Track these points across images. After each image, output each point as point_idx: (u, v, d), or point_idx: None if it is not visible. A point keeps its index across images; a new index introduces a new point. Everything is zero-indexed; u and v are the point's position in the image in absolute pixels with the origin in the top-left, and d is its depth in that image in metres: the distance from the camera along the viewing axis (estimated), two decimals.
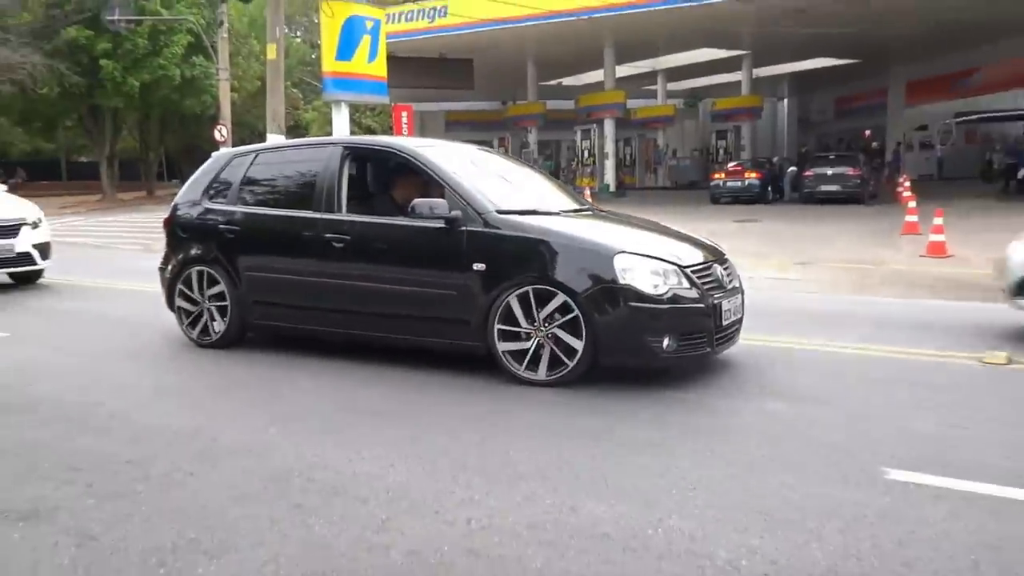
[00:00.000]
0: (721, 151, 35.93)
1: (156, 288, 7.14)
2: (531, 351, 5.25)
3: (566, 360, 5.17)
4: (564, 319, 5.14)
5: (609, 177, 31.03)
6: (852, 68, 33.87)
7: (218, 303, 6.45)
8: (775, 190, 26.02)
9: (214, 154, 7.30)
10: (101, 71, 30.09)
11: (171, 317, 6.75)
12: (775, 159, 30.94)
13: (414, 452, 4.04)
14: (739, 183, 24.55)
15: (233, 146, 20.77)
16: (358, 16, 17.80)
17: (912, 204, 15.19)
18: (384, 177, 6.59)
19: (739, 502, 3.39)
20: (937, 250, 11.93)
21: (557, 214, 5.91)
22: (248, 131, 42.90)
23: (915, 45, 28.93)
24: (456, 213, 5.48)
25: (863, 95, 37.75)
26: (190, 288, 6.54)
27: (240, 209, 6.49)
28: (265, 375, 5.74)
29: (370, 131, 46.44)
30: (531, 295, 5.22)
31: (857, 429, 4.33)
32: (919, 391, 5.09)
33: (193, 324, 6.59)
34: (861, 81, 36.54)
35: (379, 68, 18.14)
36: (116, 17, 24.29)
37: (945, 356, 5.97)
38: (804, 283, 10.98)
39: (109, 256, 15.74)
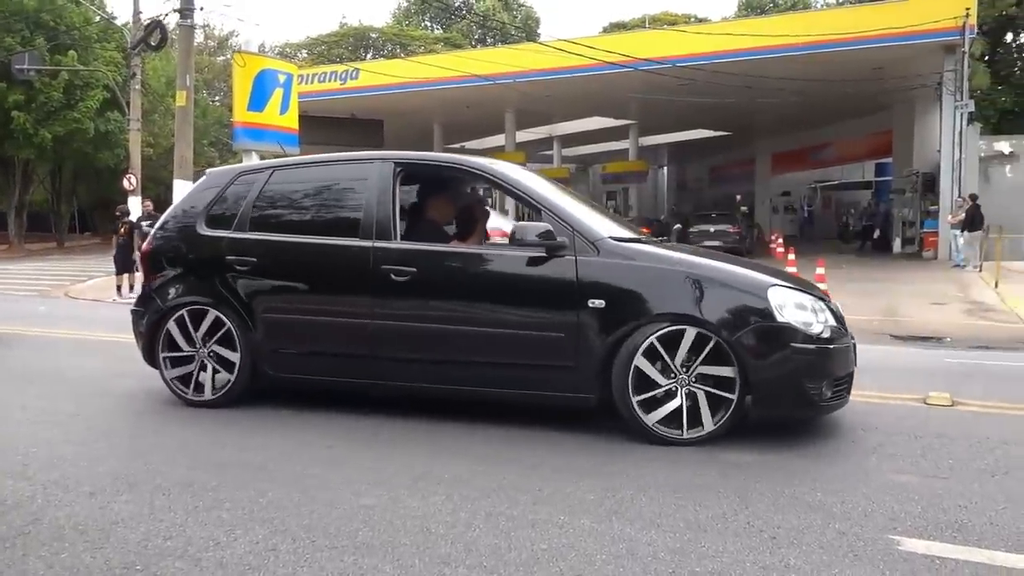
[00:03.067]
0: (611, 210, 35.96)
1: (43, 331, 5.79)
2: (676, 405, 4.03)
3: (707, 415, 4.02)
4: (705, 364, 4.00)
5: None
6: (724, 140, 34.70)
7: (221, 352, 4.86)
8: None
9: (209, 171, 5.51)
10: (12, 122, 27.65)
11: (84, 367, 5.39)
12: (662, 217, 31.17)
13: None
14: None
15: (143, 195, 19.10)
16: (270, 69, 16.76)
17: (791, 256, 15.01)
18: (426, 199, 5.17)
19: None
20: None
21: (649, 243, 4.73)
22: (164, 187, 40.48)
23: (777, 121, 29.81)
24: (563, 240, 4.24)
25: (734, 164, 38.72)
26: (183, 333, 4.92)
27: (255, 237, 4.89)
28: (293, 452, 3.95)
29: None
30: (667, 338, 4.02)
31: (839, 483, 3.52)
32: (876, 436, 4.33)
33: (184, 379, 4.95)
34: (732, 152, 37.49)
35: (291, 120, 17.04)
36: (25, 66, 22.28)
37: (888, 398, 5.29)
38: None
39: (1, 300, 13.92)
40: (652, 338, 4.02)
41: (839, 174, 32.14)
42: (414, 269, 4.47)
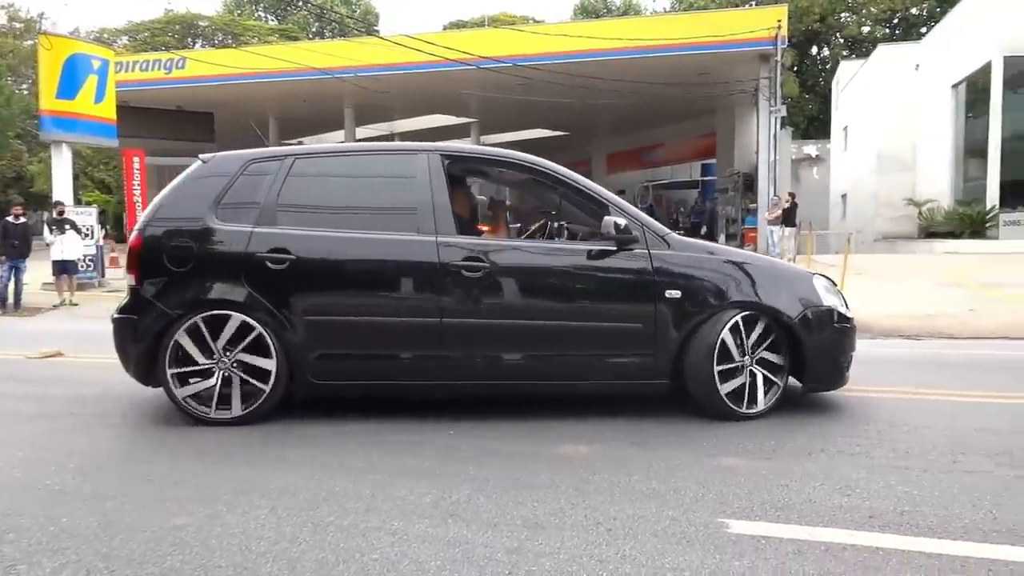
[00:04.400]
0: None
1: None
2: (741, 383, 4.40)
3: (761, 394, 4.44)
4: (766, 347, 4.46)
5: None
6: (563, 140, 35.56)
7: (249, 361, 4.30)
8: None
9: (206, 157, 4.69)
10: None
11: None
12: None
13: None
14: None
15: None
16: (83, 54, 15.35)
17: None
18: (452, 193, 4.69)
19: None
20: None
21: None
22: None
23: (613, 122, 30.94)
24: (637, 234, 4.36)
25: (573, 163, 39.64)
26: (199, 343, 4.27)
27: (293, 232, 4.37)
28: (92, 470, 3.60)
29: (104, 185, 41.50)
30: (740, 325, 4.38)
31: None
32: (703, 422, 4.46)
33: (202, 395, 4.31)
34: (571, 151, 38.47)
35: (107, 110, 15.72)
36: None
37: None
38: None
39: None
40: (735, 321, 4.36)
41: (669, 174, 33.76)
42: (487, 264, 4.33)
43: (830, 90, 35.97)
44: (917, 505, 3.09)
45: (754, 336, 4.42)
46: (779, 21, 19.08)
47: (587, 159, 38.08)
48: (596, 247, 4.41)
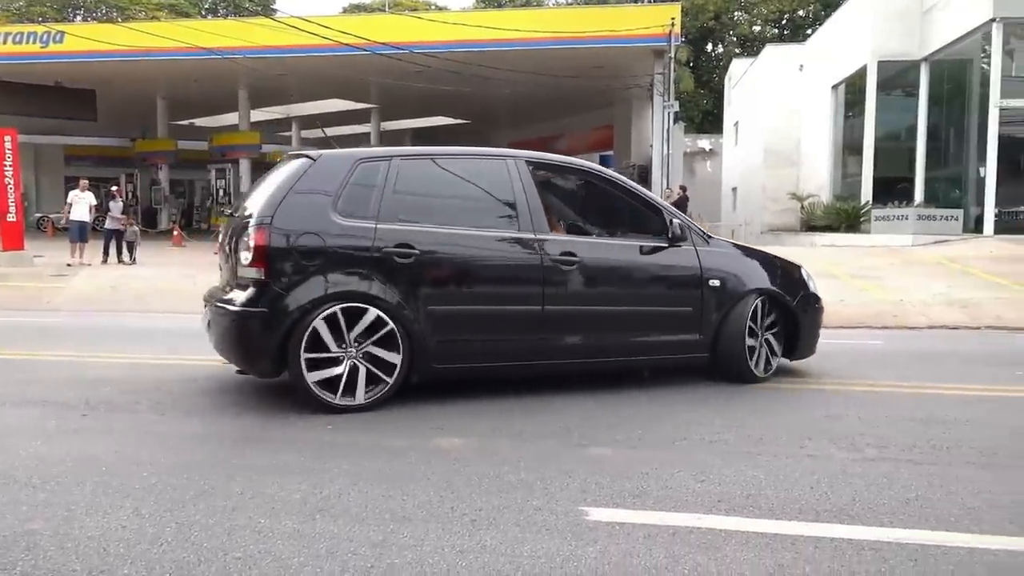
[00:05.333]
0: None
1: None
2: (759, 357, 5.48)
3: (763, 363, 5.50)
4: (773, 325, 5.56)
5: None
6: (464, 128, 35.53)
7: (375, 351, 4.51)
8: None
9: (315, 155, 4.81)
10: None
11: None
12: None
13: None
14: None
15: None
16: None
17: None
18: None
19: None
20: None
21: None
22: None
23: (513, 112, 31.16)
24: (685, 233, 5.30)
25: None
26: (333, 333, 4.42)
27: (418, 228, 4.70)
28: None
29: None
30: (759, 308, 5.44)
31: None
32: (575, 411, 4.63)
33: (330, 383, 4.43)
34: (472, 140, 38.48)
35: None
36: None
37: None
38: None
39: None
40: (755, 305, 5.40)
41: None
42: (578, 259, 4.95)
43: (724, 86, 37.30)
44: (762, 488, 3.33)
45: (770, 318, 5.51)
46: (673, 19, 19.65)
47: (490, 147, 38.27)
48: (650, 244, 5.27)
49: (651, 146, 21.92)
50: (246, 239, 4.51)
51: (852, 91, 23.07)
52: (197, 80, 24.33)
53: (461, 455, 3.78)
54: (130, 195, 35.21)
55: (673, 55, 20.11)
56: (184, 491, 3.25)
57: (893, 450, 3.93)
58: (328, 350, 4.44)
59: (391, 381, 4.56)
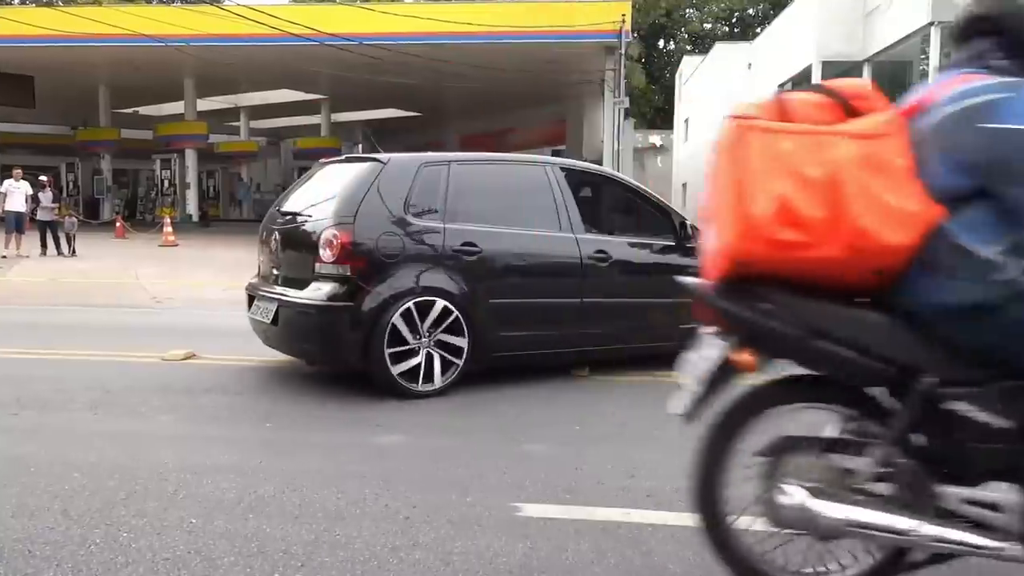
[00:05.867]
0: None
1: None
2: None
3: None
4: None
5: (192, 207, 28.26)
6: (417, 121, 35.34)
7: (447, 340, 4.93)
8: None
9: (384, 158, 5.18)
10: None
11: None
12: None
13: None
14: None
15: None
16: None
17: None
18: None
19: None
20: None
21: None
22: None
23: (465, 105, 31.07)
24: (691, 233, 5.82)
25: (427, 145, 39.59)
26: (410, 326, 4.80)
27: (478, 228, 5.17)
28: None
29: None
30: None
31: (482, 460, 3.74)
32: (515, 410, 4.69)
33: (410, 373, 4.80)
34: (425, 133, 38.30)
35: None
36: None
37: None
38: None
39: None
40: None
41: None
42: (611, 256, 5.52)
43: (675, 83, 37.74)
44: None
45: None
46: (623, 15, 19.84)
47: (442, 140, 38.08)
48: (663, 243, 5.86)
49: (602, 141, 22.11)
50: (329, 237, 4.81)
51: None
52: (141, 68, 23.75)
53: (399, 453, 3.82)
54: (71, 185, 34.32)
55: (623, 52, 20.31)
56: (116, 492, 3.22)
57: None
58: (406, 342, 4.81)
59: (460, 364, 4.97)
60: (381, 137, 42.21)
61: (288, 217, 5.40)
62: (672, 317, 5.57)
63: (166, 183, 30.54)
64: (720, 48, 29.50)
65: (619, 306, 5.62)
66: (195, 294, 10.69)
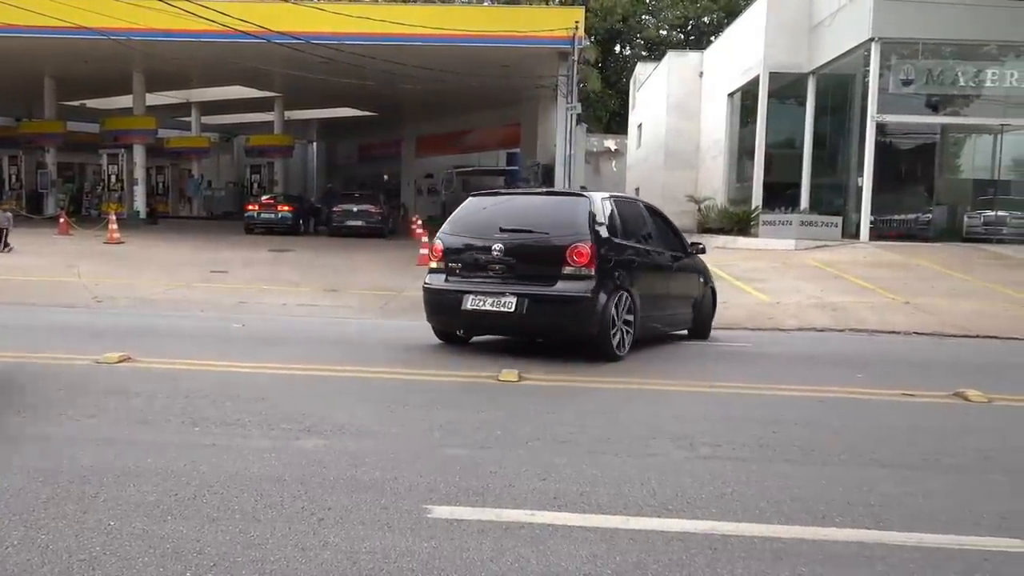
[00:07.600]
0: (255, 184, 34.66)
1: None
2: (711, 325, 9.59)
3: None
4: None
5: (140, 204, 27.80)
6: (372, 120, 35.30)
7: (629, 319, 7.10)
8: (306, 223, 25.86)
9: (586, 195, 7.53)
10: None
11: None
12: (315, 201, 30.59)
13: None
14: (273, 215, 24.00)
15: None
16: None
17: (425, 239, 15.89)
18: None
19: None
20: None
21: None
22: None
23: (422, 106, 31.13)
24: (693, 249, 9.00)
25: (382, 145, 39.57)
26: (623, 310, 7.01)
27: (628, 243, 7.48)
28: None
29: None
30: (709, 293, 9.38)
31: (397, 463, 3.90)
32: (444, 414, 4.87)
33: (618, 343, 6.98)
34: (380, 133, 38.27)
35: None
36: None
37: (470, 377, 5.93)
38: (334, 309, 10.60)
39: None
40: (707, 290, 9.28)
41: (476, 160, 34.54)
42: (674, 263, 8.42)
43: (630, 88, 38.24)
44: (596, 486, 3.64)
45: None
46: (577, 22, 20.10)
47: (398, 140, 38.07)
48: (682, 254, 8.68)
49: (555, 145, 22.36)
50: (581, 248, 6.78)
51: (747, 99, 24.15)
52: (88, 61, 23.36)
53: (321, 457, 3.96)
54: (14, 179, 33.48)
55: (576, 58, 20.58)
56: (36, 495, 3.31)
57: (725, 448, 4.33)
58: (615, 323, 6.87)
59: (632, 336, 7.16)
60: (336, 134, 42.09)
61: (512, 234, 7.06)
62: (688, 305, 8.76)
63: (113, 178, 29.96)
64: (672, 56, 30.02)
65: (677, 296, 8.48)
66: (138, 293, 10.65)
